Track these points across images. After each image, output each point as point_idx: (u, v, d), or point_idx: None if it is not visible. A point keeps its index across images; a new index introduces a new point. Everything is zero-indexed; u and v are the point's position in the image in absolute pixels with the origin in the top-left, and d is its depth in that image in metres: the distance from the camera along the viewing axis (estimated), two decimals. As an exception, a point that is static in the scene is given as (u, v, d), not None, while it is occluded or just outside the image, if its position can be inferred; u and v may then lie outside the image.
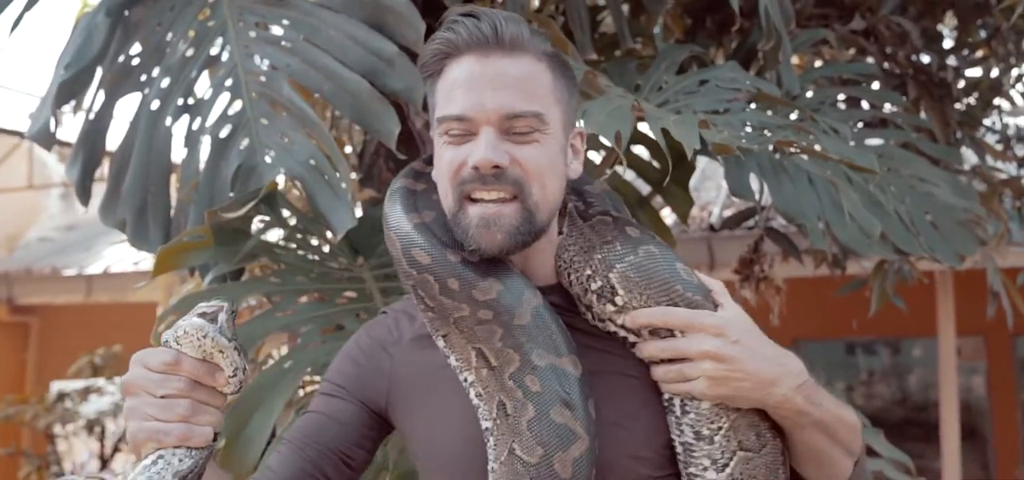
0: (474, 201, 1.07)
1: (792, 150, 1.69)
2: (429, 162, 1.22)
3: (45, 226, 8.31)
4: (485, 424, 1.08)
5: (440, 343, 1.15)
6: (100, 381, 6.81)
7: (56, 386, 7.21)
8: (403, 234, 1.14)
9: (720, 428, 1.07)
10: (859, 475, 1.13)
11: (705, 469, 1.07)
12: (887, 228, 1.98)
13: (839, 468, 1.11)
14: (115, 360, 6.59)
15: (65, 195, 8.46)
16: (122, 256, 6.91)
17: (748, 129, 1.77)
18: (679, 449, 1.09)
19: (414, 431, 1.16)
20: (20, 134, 6.78)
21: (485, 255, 1.08)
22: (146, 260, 7.00)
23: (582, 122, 1.47)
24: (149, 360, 0.97)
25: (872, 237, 1.71)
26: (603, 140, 2.61)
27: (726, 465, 1.07)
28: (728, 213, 5.75)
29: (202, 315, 0.96)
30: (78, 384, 6.86)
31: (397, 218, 1.15)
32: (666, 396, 1.09)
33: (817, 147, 1.62)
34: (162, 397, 0.95)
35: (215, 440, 0.98)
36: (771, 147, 1.98)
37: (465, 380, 1.12)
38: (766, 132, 1.82)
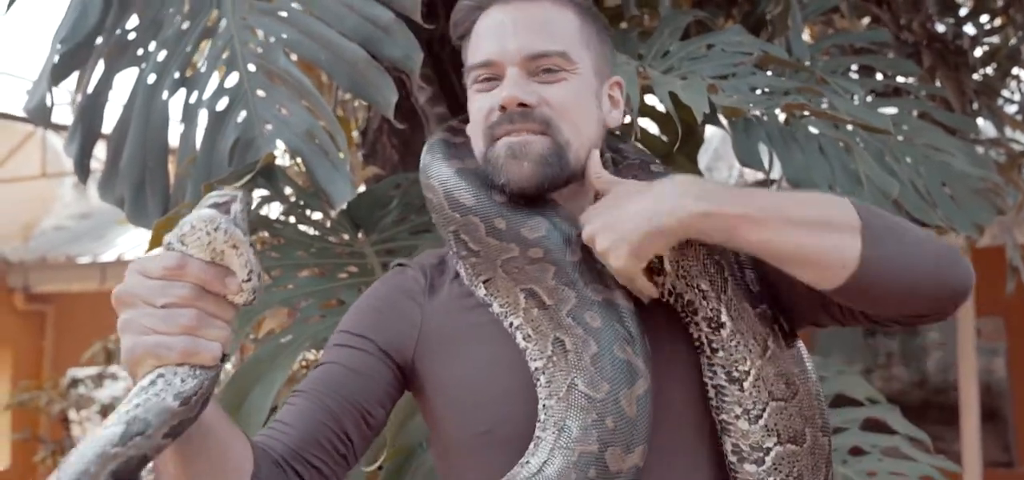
0: (499, 138, 1.08)
1: (804, 114, 1.64)
2: (466, 120, 1.20)
3: (59, 214, 8.35)
4: (535, 364, 1.06)
5: (480, 291, 1.12)
6: (114, 367, 6.85)
7: (71, 373, 7.25)
8: (445, 178, 1.12)
9: (748, 372, 1.05)
10: (880, 245, 0.95)
11: (737, 417, 1.06)
12: (902, 197, 1.92)
13: (823, 249, 0.96)
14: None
15: (78, 184, 8.49)
16: (135, 244, 6.93)
17: (757, 93, 1.72)
18: (711, 393, 1.08)
19: (448, 379, 1.11)
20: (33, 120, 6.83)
21: (515, 187, 1.06)
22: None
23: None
24: (149, 267, 0.84)
25: (889, 197, 1.65)
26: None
27: (759, 416, 1.05)
28: (742, 193, 5.68)
29: (213, 207, 0.83)
30: (92, 370, 6.91)
31: (437, 165, 1.14)
32: (694, 337, 1.08)
33: (828, 109, 1.56)
34: (163, 307, 0.82)
35: (224, 360, 0.85)
36: (779, 112, 1.93)
37: (511, 324, 1.09)
38: (775, 97, 1.76)
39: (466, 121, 1.20)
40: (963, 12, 3.02)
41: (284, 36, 1.84)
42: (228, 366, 0.88)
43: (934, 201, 2.00)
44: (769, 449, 1.05)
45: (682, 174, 1.06)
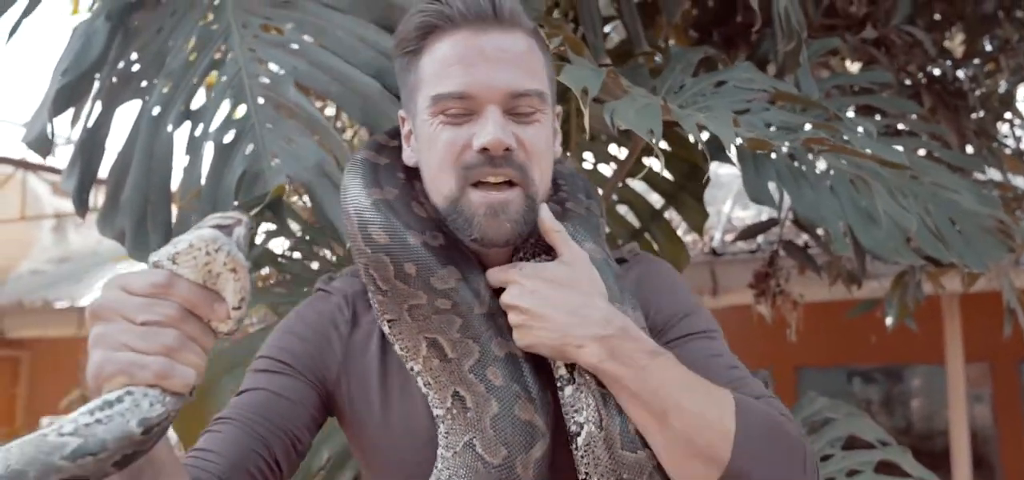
0: (477, 186, 1.01)
1: (820, 148, 1.63)
2: (393, 135, 1.15)
3: (37, 258, 8.22)
4: (437, 411, 1.03)
5: (385, 328, 1.08)
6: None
7: (46, 420, 7.08)
8: (360, 209, 1.05)
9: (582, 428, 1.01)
10: (748, 460, 0.93)
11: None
12: (916, 235, 1.92)
13: (691, 463, 0.94)
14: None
15: (57, 227, 8.37)
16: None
17: (773, 129, 1.71)
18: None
19: (364, 421, 1.08)
20: (13, 163, 6.71)
21: (490, 245, 1.03)
22: (140, 292, 6.91)
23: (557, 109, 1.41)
24: (132, 282, 0.78)
25: (909, 234, 1.64)
26: (612, 151, 2.57)
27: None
28: (729, 238, 5.70)
29: (216, 227, 0.79)
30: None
31: (355, 192, 1.07)
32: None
33: (847, 145, 1.56)
34: (143, 324, 0.77)
35: (192, 394, 0.79)
36: (786, 149, 1.92)
37: (411, 369, 1.06)
38: (790, 133, 1.76)
39: (394, 136, 1.15)
40: (959, 56, 3.07)
41: (295, 68, 1.81)
42: (191, 399, 0.80)
43: (945, 239, 1.99)
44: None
45: (611, 313, 0.99)
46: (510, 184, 1.01)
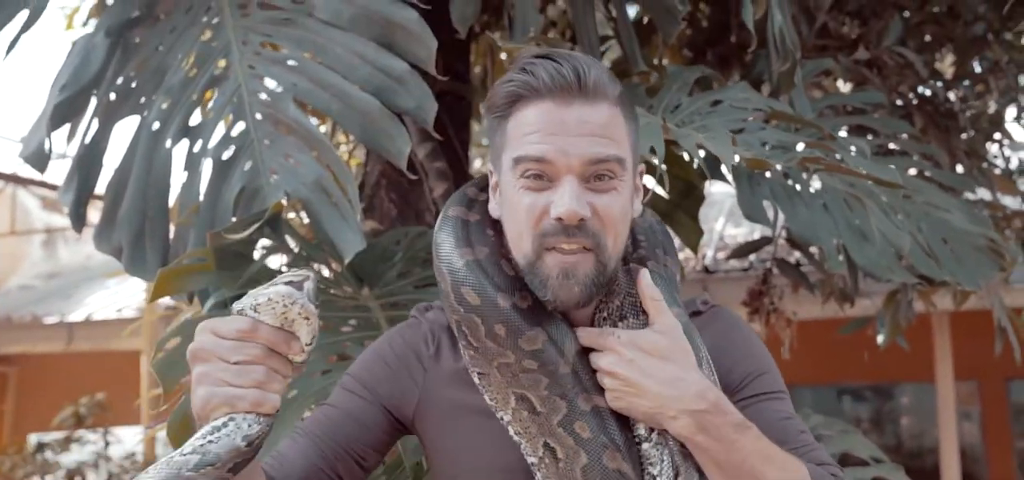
0: (552, 250, 1.06)
1: (815, 167, 1.65)
2: (482, 188, 1.20)
3: (26, 274, 8.16)
4: (530, 458, 1.10)
5: (476, 379, 1.14)
6: (81, 432, 6.64)
7: (36, 437, 7.01)
8: (454, 269, 1.12)
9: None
10: None
11: None
12: (909, 253, 1.94)
13: None
14: (100, 409, 6.43)
15: (47, 242, 8.33)
16: (104, 304, 6.77)
17: (768, 148, 1.73)
18: None
19: (446, 448, 1.15)
20: (3, 177, 6.68)
21: (561, 308, 1.08)
22: (129, 307, 6.87)
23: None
24: (221, 328, 0.96)
25: (902, 252, 1.66)
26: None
27: None
28: (722, 255, 5.73)
29: (288, 284, 0.96)
30: (58, 435, 6.69)
31: (449, 252, 1.13)
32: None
33: (842, 163, 1.58)
34: (236, 364, 0.94)
35: (278, 411, 0.98)
36: (780, 167, 1.94)
37: (501, 418, 1.12)
38: (785, 152, 1.78)
39: (483, 189, 1.19)
40: (949, 77, 3.10)
41: (294, 85, 1.82)
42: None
43: (937, 257, 2.01)
44: None
45: (705, 386, 1.05)
46: (584, 249, 1.06)
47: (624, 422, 1.07)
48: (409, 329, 1.23)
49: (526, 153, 1.06)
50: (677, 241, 2.98)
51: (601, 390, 1.07)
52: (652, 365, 1.04)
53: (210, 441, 0.94)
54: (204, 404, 0.95)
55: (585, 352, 1.09)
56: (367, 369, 1.20)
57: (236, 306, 0.96)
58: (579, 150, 1.04)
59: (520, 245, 1.08)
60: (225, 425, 0.94)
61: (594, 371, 1.08)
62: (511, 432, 1.10)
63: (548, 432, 1.07)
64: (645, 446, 1.06)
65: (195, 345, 0.97)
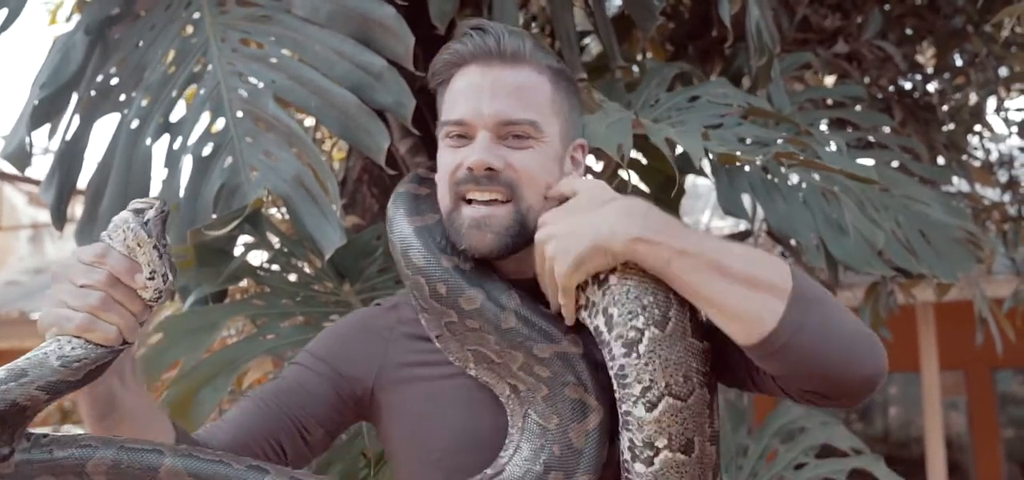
0: (468, 202, 1.12)
1: (790, 162, 1.66)
2: (434, 169, 1.24)
3: (13, 269, 8.12)
4: (501, 396, 1.13)
5: (436, 343, 1.18)
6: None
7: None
8: (403, 235, 1.18)
9: (642, 335, 1.04)
10: (802, 314, 0.97)
11: (634, 402, 1.05)
12: (884, 246, 1.95)
13: (747, 306, 0.98)
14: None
15: (34, 238, 8.29)
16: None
17: (746, 143, 1.74)
18: (615, 380, 1.07)
19: (406, 408, 1.17)
20: (-11, 174, 6.64)
21: (476, 255, 1.12)
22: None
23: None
24: (82, 252, 0.97)
25: (875, 248, 1.68)
26: (589, 162, 2.59)
27: (655, 405, 1.04)
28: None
29: (132, 210, 0.96)
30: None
31: (399, 220, 1.20)
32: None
33: (818, 159, 1.59)
34: (81, 286, 0.94)
35: (125, 345, 0.96)
36: (759, 162, 1.96)
37: (469, 372, 1.15)
38: (762, 146, 1.79)
39: (434, 169, 1.23)
40: (929, 70, 3.12)
41: (274, 82, 1.82)
42: (130, 350, 1.00)
43: (915, 250, 2.03)
44: (659, 450, 1.04)
45: (639, 199, 1.08)
46: (500, 202, 1.11)
47: (598, 372, 1.08)
48: (369, 311, 1.27)
49: (448, 117, 1.14)
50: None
51: (565, 333, 1.10)
52: (576, 210, 1.07)
53: (27, 359, 0.92)
54: (42, 323, 0.96)
55: (534, 306, 1.12)
56: (321, 344, 1.23)
57: (103, 232, 0.97)
58: (492, 108, 1.11)
59: (443, 201, 1.15)
60: (46, 345, 0.93)
61: (556, 318, 1.11)
62: (481, 380, 1.14)
63: (511, 374, 1.11)
64: (623, 362, 1.04)
65: (57, 264, 0.99)
